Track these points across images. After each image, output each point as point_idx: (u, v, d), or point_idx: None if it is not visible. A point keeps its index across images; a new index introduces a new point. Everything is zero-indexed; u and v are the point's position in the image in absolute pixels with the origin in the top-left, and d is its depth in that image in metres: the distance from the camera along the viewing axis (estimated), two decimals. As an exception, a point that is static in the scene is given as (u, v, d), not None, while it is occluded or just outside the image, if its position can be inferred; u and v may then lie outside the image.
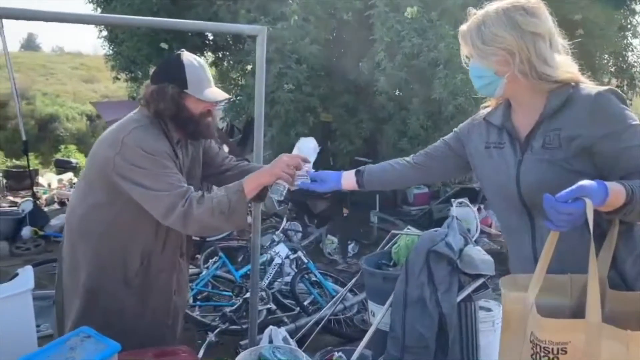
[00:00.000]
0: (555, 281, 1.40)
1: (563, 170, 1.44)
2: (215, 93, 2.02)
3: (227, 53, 8.75)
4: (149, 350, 2.01)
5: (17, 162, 12.18)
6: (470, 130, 1.75)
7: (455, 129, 1.85)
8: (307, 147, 2.06)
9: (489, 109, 1.73)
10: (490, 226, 6.21)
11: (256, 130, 2.87)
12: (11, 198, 8.80)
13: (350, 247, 6.00)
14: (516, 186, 1.54)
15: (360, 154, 6.80)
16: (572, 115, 1.45)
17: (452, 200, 6.04)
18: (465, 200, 6.01)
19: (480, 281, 2.68)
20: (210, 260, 4.16)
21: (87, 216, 2.03)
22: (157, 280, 2.12)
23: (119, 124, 2.02)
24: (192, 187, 1.91)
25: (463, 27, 1.56)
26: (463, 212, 5.72)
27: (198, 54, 8.06)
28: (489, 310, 3.42)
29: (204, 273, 3.99)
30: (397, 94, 5.81)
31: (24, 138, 7.34)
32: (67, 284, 2.10)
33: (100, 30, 7.73)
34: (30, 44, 44.06)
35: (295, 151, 2.06)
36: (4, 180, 9.87)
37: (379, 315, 2.69)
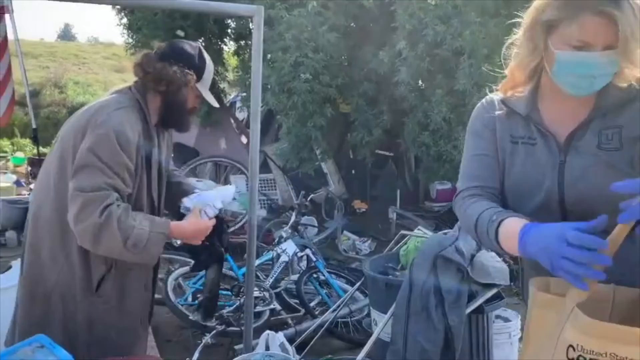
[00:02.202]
0: (596, 291, 1.14)
1: (624, 175, 1.18)
2: (212, 97, 2.09)
3: (250, 42, 8.56)
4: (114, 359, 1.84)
5: (46, 150, 12.32)
6: (491, 122, 1.47)
7: (478, 131, 1.50)
8: (225, 195, 2.12)
9: (497, 96, 1.48)
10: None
11: (252, 121, 2.68)
12: (32, 186, 8.85)
13: (366, 244, 5.77)
14: (558, 192, 1.32)
15: (380, 146, 6.54)
16: (638, 115, 1.25)
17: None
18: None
19: (492, 291, 2.42)
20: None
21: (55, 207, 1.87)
22: (127, 284, 1.95)
23: (100, 104, 1.89)
24: (118, 197, 1.78)
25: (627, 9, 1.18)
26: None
27: (218, 42, 7.99)
28: (506, 320, 3.16)
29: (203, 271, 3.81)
30: (418, 84, 5.51)
31: (34, 126, 7.33)
32: (28, 286, 1.94)
33: (121, 18, 7.63)
34: (66, 34, 44.91)
35: (214, 192, 2.11)
36: (29, 168, 9.94)
37: (380, 325, 2.47)
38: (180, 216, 2.03)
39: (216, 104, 2.13)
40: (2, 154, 11.41)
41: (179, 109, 1.99)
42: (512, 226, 1.22)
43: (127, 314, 1.97)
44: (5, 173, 9.08)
